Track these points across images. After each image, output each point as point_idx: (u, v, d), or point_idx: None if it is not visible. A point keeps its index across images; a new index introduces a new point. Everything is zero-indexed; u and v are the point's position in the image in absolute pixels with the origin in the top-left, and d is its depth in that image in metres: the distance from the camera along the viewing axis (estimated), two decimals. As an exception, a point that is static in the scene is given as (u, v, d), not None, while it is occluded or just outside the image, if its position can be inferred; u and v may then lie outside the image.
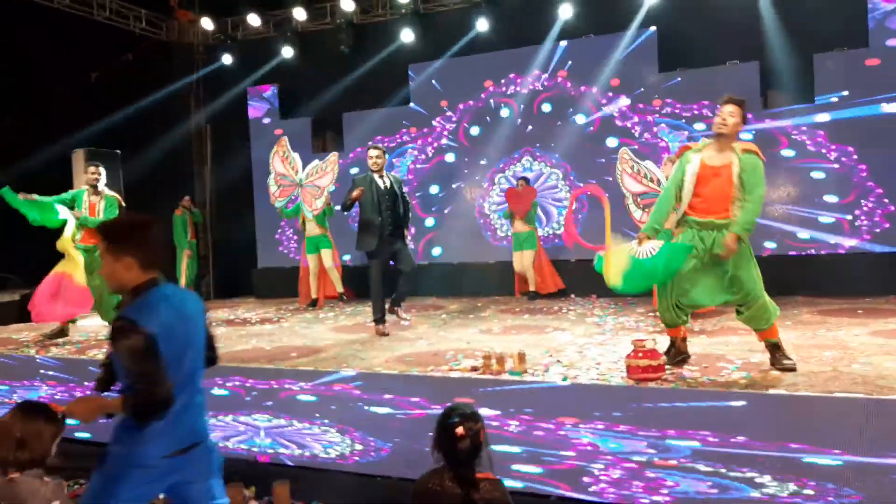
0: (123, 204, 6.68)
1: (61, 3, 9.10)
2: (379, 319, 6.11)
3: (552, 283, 8.52)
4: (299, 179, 8.10)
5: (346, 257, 9.71)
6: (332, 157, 8.14)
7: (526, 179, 8.65)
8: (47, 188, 6.76)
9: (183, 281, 10.21)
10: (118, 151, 9.47)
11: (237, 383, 4.72)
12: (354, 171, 8.64)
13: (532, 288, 8.46)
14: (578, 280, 8.60)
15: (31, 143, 8.73)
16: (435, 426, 2.30)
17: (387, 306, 6.22)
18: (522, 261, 8.49)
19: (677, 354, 4.33)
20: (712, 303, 4.13)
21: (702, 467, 3.49)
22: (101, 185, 6.53)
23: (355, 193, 5.90)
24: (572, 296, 8.36)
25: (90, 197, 6.49)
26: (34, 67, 8.63)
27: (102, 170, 6.61)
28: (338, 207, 7.57)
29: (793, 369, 3.95)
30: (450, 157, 9.70)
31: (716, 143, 4.05)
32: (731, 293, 4.01)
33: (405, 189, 6.62)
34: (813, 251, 7.83)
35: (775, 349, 4.08)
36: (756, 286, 3.97)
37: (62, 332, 6.66)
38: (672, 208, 4.19)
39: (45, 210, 6.24)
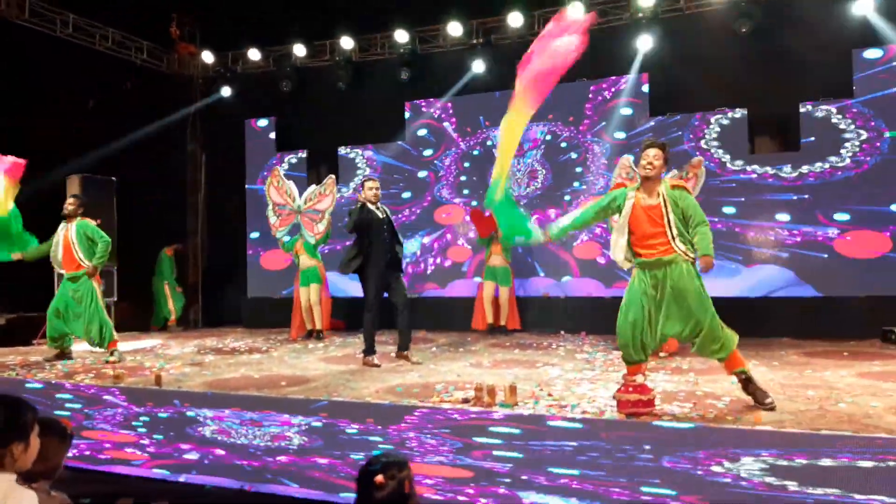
0: (93, 227, 6.75)
1: (64, 32, 9.25)
2: (368, 351, 6.12)
3: (517, 320, 8.58)
4: (298, 206, 8.15)
5: (341, 291, 9.73)
6: (330, 179, 8.22)
7: None
8: (41, 213, 6.80)
9: (173, 314, 10.21)
10: (113, 179, 9.52)
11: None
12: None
13: (503, 322, 8.49)
14: (568, 317, 8.68)
15: (26, 168, 8.74)
16: (358, 479, 2.10)
17: (394, 353, 6.34)
18: (498, 295, 8.51)
19: None
20: (671, 332, 4.17)
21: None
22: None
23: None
24: (562, 332, 8.39)
25: (66, 227, 6.70)
26: (33, 94, 8.70)
27: (74, 199, 6.83)
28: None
29: (772, 409, 3.99)
30: (442, 193, 9.81)
31: (644, 185, 4.23)
32: (682, 322, 4.08)
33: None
34: (798, 293, 7.94)
35: (748, 382, 4.12)
36: (702, 312, 4.03)
37: (63, 354, 6.67)
38: (579, 224, 4.52)
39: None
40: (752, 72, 8.23)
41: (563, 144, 9.22)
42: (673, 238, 4.08)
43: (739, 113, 8.31)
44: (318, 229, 8.12)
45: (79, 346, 7.05)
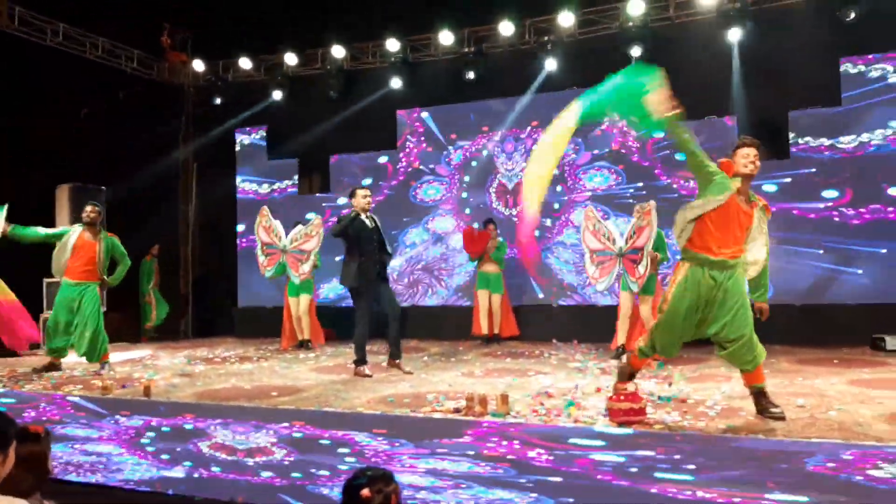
0: (122, 248, 6.71)
1: (54, 41, 9.22)
2: (360, 361, 6.09)
3: (514, 327, 8.56)
4: (283, 246, 8.17)
5: (330, 294, 9.71)
6: (316, 220, 8.24)
7: (493, 222, 8.62)
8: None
9: (152, 320, 10.17)
10: (103, 188, 9.47)
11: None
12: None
13: (496, 331, 8.47)
14: (560, 325, 8.68)
15: (16, 177, 8.70)
16: (343, 493, 2.07)
17: (385, 363, 6.31)
18: (491, 303, 8.49)
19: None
20: (709, 333, 4.11)
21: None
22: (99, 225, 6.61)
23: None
24: (554, 340, 8.38)
25: (85, 234, 6.50)
26: (23, 102, 8.67)
27: (94, 206, 6.65)
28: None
29: (781, 418, 3.94)
30: (432, 200, 9.82)
31: (745, 185, 4.08)
32: (721, 326, 4.02)
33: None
34: (791, 301, 7.97)
35: (761, 395, 4.09)
36: (748, 321, 4.01)
37: (53, 366, 6.57)
38: (690, 145, 4.19)
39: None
40: (740, 80, 8.28)
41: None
42: (743, 244, 4.06)
43: (728, 121, 8.36)
44: (303, 269, 8.07)
45: (68, 359, 6.97)
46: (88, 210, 6.60)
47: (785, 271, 8.02)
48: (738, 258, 4.04)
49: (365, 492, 1.98)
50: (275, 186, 10.70)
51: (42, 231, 6.57)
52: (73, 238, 6.49)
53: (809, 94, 8.01)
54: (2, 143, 8.52)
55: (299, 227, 8.30)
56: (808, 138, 8.03)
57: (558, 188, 9.18)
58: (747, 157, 4.03)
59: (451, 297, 9.62)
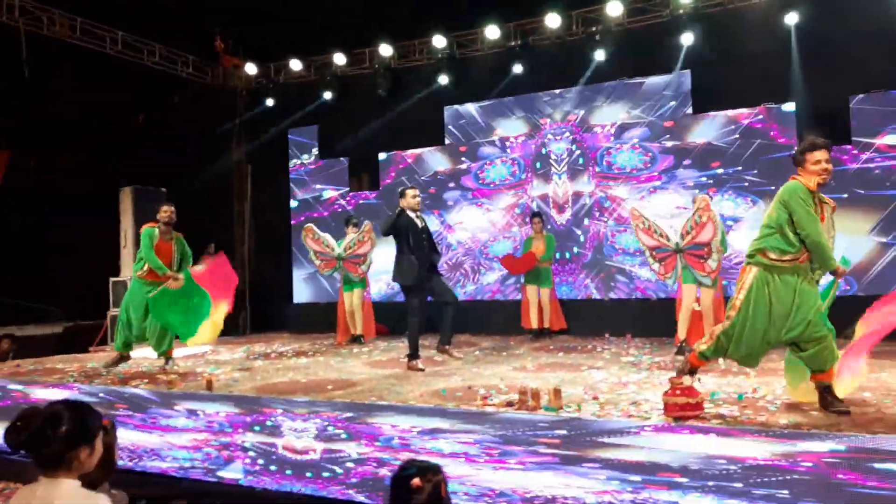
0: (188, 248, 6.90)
1: (113, 49, 9.57)
2: (413, 355, 6.16)
3: (562, 320, 8.54)
4: (338, 255, 8.40)
5: (377, 293, 9.84)
6: (367, 226, 8.44)
7: (539, 216, 8.61)
8: (95, 223, 7.01)
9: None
10: (163, 189, 9.80)
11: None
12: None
13: (546, 325, 8.45)
14: (612, 320, 8.59)
15: (81, 180, 9.11)
16: (392, 484, 2.08)
17: (436, 348, 6.33)
18: (540, 297, 8.47)
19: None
20: (788, 337, 4.00)
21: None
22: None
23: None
24: (606, 335, 8.31)
25: (162, 235, 6.66)
26: (86, 108, 9.03)
27: (171, 207, 6.79)
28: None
29: (847, 413, 3.84)
30: (482, 195, 9.83)
31: (819, 191, 4.00)
32: (801, 329, 3.92)
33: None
34: (856, 291, 7.71)
35: (828, 392, 3.98)
36: (824, 326, 3.92)
37: (122, 358, 6.80)
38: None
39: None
40: (799, 65, 8.02)
41: (605, 144, 9.15)
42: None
43: (787, 107, 8.13)
44: (362, 270, 8.45)
45: (135, 353, 7.23)
46: (166, 209, 6.69)
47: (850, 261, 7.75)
48: (808, 260, 3.96)
49: (416, 481, 2.00)
50: (326, 192, 10.88)
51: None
52: (155, 241, 6.59)
53: (872, 77, 7.70)
54: (68, 149, 8.90)
55: (351, 236, 8.50)
56: (869, 123, 7.74)
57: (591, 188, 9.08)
58: (819, 164, 3.90)
59: (499, 290, 9.61)
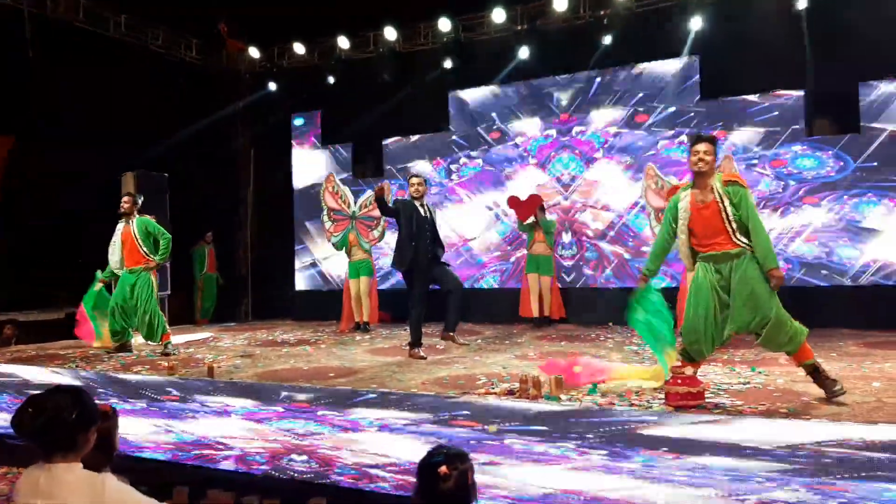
0: (154, 224, 6.92)
1: (117, 32, 9.50)
2: (415, 343, 6.14)
3: (563, 309, 8.54)
4: (352, 212, 8.32)
5: (388, 282, 9.81)
6: (385, 184, 8.31)
7: (540, 202, 8.65)
8: (99, 209, 7.00)
9: (198, 311, 10.45)
10: (166, 175, 9.77)
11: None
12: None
13: (547, 313, 8.41)
14: (617, 308, 8.53)
15: (83, 166, 9.06)
16: (419, 471, 2.08)
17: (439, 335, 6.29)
18: (541, 285, 8.44)
19: None
20: (738, 329, 4.05)
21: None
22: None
23: (382, 190, 6.01)
24: (610, 324, 8.27)
25: (124, 225, 6.84)
26: (87, 92, 8.97)
27: (129, 196, 6.94)
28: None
29: (842, 392, 3.86)
30: (486, 183, 9.77)
31: (697, 182, 4.12)
32: (749, 314, 3.95)
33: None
34: (861, 282, 7.64)
35: (815, 372, 3.98)
36: (766, 304, 3.91)
37: (123, 347, 6.87)
38: (665, 248, 4.37)
39: None
40: (809, 50, 7.89)
41: (613, 129, 9.06)
42: (734, 232, 3.98)
43: (796, 94, 8.02)
44: (373, 235, 8.35)
45: (138, 339, 7.25)
46: (122, 201, 6.90)
47: (852, 250, 7.69)
48: (738, 247, 3.97)
49: (443, 468, 1.99)
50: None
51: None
52: (118, 233, 6.84)
53: (883, 64, 7.58)
54: (69, 134, 8.85)
55: (368, 192, 8.41)
56: (880, 110, 7.63)
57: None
58: (694, 156, 4.08)
59: (502, 279, 9.57)
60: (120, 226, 6.86)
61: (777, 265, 3.96)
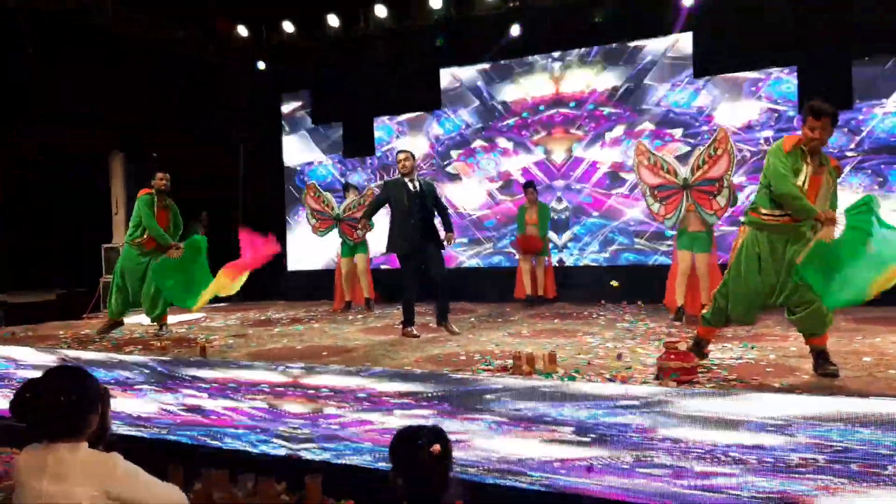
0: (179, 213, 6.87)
1: (104, 17, 9.33)
2: (407, 322, 6.15)
3: (554, 289, 8.55)
4: (336, 215, 8.37)
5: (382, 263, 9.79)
6: (369, 190, 8.40)
7: (532, 185, 8.53)
8: (84, 188, 6.92)
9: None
10: (154, 155, 9.67)
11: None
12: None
13: (540, 292, 8.45)
14: (609, 286, 8.57)
15: (71, 147, 8.98)
16: (397, 450, 2.04)
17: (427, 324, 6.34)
18: (535, 266, 8.43)
19: (702, 355, 4.32)
20: (781, 301, 4.02)
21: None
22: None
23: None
24: (602, 302, 8.29)
25: (159, 204, 6.65)
26: (77, 76, 8.85)
27: (167, 175, 6.72)
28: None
29: (835, 375, 3.89)
30: (480, 161, 9.73)
31: (812, 157, 3.96)
32: (790, 292, 3.93)
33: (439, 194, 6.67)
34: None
35: (820, 355, 4.01)
36: (812, 291, 3.87)
37: (115, 324, 6.79)
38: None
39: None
40: (804, 27, 7.86)
41: (607, 110, 9.03)
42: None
43: (788, 71, 8.02)
44: (358, 234, 8.36)
45: (129, 319, 7.21)
46: (161, 177, 6.63)
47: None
48: (800, 220, 3.92)
49: (436, 447, 1.97)
50: (319, 157, 10.77)
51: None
52: (155, 209, 6.58)
53: (876, 41, 7.57)
54: (59, 116, 8.75)
55: (352, 197, 8.44)
56: (873, 88, 7.64)
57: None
58: (813, 131, 3.87)
59: (498, 258, 9.58)
60: (152, 201, 6.60)
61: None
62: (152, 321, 6.76)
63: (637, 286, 8.16)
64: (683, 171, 6.48)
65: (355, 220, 8.31)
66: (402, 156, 6.17)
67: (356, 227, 8.24)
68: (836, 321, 6.03)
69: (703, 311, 4.39)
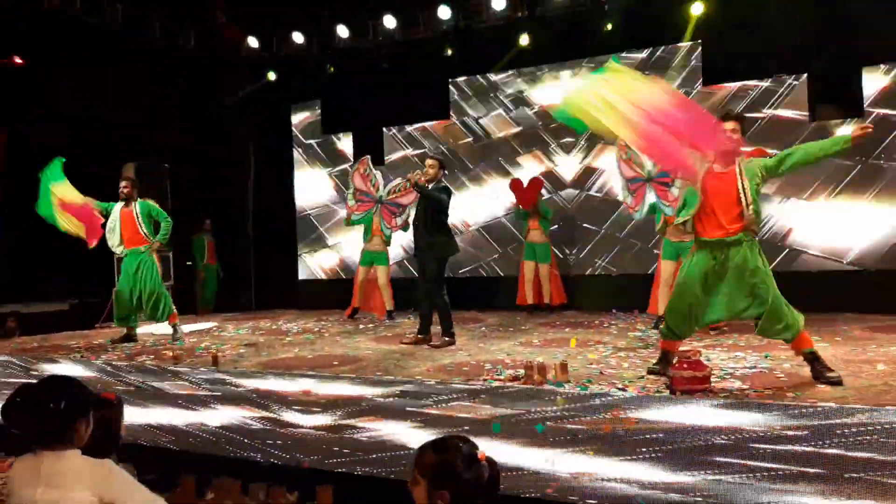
0: (157, 208, 6.94)
1: (115, 24, 9.43)
2: (419, 331, 6.20)
3: (563, 294, 8.54)
4: (379, 196, 8.30)
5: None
6: (417, 174, 8.30)
7: (537, 187, 8.65)
8: (99, 199, 6.97)
9: (199, 301, 10.43)
10: (166, 165, 9.74)
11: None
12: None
13: (546, 300, 8.41)
14: (620, 295, 8.55)
15: (84, 155, 9.02)
16: (440, 462, 1.91)
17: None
18: (538, 273, 8.43)
19: (665, 369, 4.27)
20: (729, 315, 4.09)
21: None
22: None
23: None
24: (613, 310, 8.26)
25: (123, 207, 6.83)
26: (87, 83, 8.92)
27: (128, 181, 6.95)
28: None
29: (839, 383, 3.86)
30: (487, 171, 9.74)
31: (718, 160, 4.07)
32: (744, 301, 3.98)
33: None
34: (865, 265, 7.64)
35: (814, 360, 4.00)
36: (765, 291, 3.92)
37: (129, 337, 6.88)
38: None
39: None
40: (812, 34, 7.84)
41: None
42: (746, 206, 3.95)
43: (798, 79, 7.99)
44: (397, 223, 8.27)
45: (141, 329, 7.25)
46: (121, 185, 6.88)
47: (856, 233, 7.67)
48: (737, 233, 3.95)
49: (481, 454, 1.91)
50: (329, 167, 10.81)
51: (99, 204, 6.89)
52: (115, 214, 6.83)
53: (886, 48, 7.54)
54: (71, 125, 8.82)
55: (399, 179, 8.37)
56: (883, 94, 7.61)
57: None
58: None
59: (507, 267, 9.56)
60: (117, 207, 6.84)
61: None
62: (162, 322, 6.89)
63: (649, 295, 8.12)
64: (649, 164, 6.71)
65: (397, 205, 8.24)
66: (427, 162, 6.19)
67: (396, 214, 8.18)
68: (850, 329, 6.02)
69: (661, 325, 4.40)
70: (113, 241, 6.86)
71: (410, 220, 7.99)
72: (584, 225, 9.14)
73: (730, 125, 4.05)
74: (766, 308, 3.90)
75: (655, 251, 8.58)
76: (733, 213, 3.98)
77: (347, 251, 10.26)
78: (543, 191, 8.79)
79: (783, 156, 4.03)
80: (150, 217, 6.83)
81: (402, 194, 8.26)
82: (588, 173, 9.15)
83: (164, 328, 7.18)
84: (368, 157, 8.69)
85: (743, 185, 3.97)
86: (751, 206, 3.95)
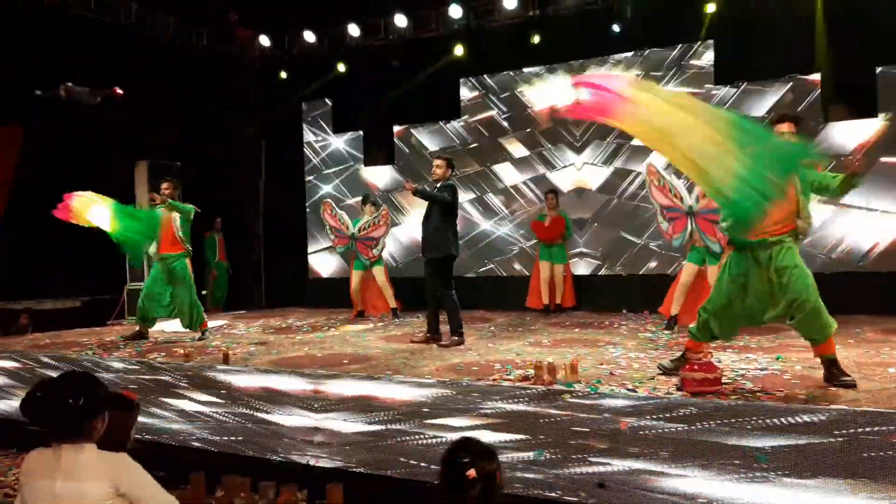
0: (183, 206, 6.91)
1: (127, 22, 9.48)
2: (427, 331, 6.21)
3: (573, 297, 8.54)
4: (352, 234, 8.47)
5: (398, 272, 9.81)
6: (384, 210, 8.51)
7: (554, 192, 8.60)
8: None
9: (210, 300, 10.48)
10: (178, 163, 9.78)
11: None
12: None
13: (558, 301, 8.40)
14: (631, 296, 8.52)
15: (96, 155, 9.09)
16: (441, 464, 2.02)
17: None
18: (553, 274, 8.41)
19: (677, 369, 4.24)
20: (774, 315, 4.02)
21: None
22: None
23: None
24: (624, 311, 8.24)
25: (164, 211, 6.78)
26: (101, 82, 8.97)
27: (169, 182, 6.89)
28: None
29: (853, 386, 3.84)
30: (499, 171, 9.72)
31: None
32: (786, 303, 3.91)
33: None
34: (879, 268, 7.57)
35: (831, 365, 3.97)
36: (808, 290, 3.86)
37: (141, 334, 6.91)
38: None
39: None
40: (825, 34, 7.78)
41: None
42: (796, 212, 3.91)
43: (812, 78, 7.93)
44: (373, 254, 8.49)
45: (153, 327, 7.28)
46: (162, 187, 6.80)
47: (871, 235, 7.61)
48: (783, 233, 3.90)
49: (471, 472, 1.93)
50: (340, 166, 10.84)
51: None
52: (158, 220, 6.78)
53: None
54: (83, 124, 8.87)
55: (366, 217, 8.52)
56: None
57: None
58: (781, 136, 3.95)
59: (517, 266, 9.55)
60: (157, 212, 6.79)
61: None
62: (194, 330, 6.94)
63: (661, 296, 8.10)
64: (689, 199, 6.53)
65: (371, 238, 8.43)
66: (436, 163, 6.18)
67: (371, 247, 8.40)
68: (864, 332, 5.98)
69: (692, 325, 4.35)
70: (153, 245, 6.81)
71: (384, 251, 8.18)
72: (594, 225, 9.10)
73: (785, 127, 3.99)
74: (809, 307, 3.84)
75: (664, 251, 8.57)
76: (780, 214, 3.86)
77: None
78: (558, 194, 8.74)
79: (828, 182, 3.97)
80: (188, 222, 6.84)
81: (374, 228, 8.53)
82: (597, 172, 9.11)
83: (176, 325, 7.23)
84: (330, 199, 9.05)
85: (797, 188, 3.91)
86: (803, 212, 3.92)
